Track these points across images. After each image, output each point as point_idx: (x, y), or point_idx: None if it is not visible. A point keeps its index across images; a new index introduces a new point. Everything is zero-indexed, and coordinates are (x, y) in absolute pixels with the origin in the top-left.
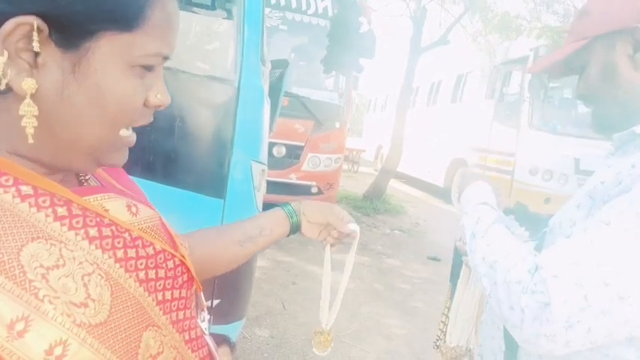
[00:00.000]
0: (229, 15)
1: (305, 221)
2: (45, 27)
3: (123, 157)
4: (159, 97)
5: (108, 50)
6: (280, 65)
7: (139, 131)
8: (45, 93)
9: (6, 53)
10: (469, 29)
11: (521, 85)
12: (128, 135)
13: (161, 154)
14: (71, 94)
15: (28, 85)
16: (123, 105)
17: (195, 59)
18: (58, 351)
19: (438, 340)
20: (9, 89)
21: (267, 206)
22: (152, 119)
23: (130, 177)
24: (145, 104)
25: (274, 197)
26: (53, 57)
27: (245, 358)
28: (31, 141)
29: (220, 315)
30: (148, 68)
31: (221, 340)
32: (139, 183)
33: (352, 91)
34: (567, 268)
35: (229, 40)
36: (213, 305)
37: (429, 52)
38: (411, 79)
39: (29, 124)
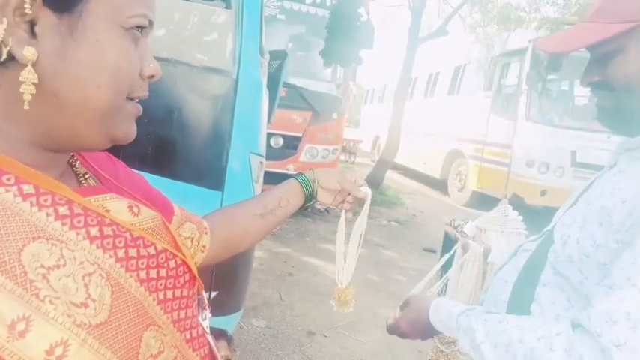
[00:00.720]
0: (228, 5)
1: (320, 189)
2: None
3: (133, 127)
4: (151, 66)
5: (99, 11)
6: (279, 56)
7: (137, 123)
8: (46, 61)
9: (5, 20)
10: (468, 20)
11: (519, 77)
12: (133, 103)
13: (159, 146)
14: (73, 57)
15: (29, 52)
16: (122, 63)
17: (193, 50)
18: (58, 351)
19: None
20: (10, 60)
21: None
22: (147, 93)
23: (132, 170)
24: (140, 74)
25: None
26: (50, 24)
27: (242, 348)
28: (26, 107)
29: (218, 307)
30: (138, 31)
31: (217, 333)
32: None
33: (350, 81)
34: (628, 334)
35: (228, 30)
36: (211, 297)
37: (427, 43)
38: (409, 70)
39: (27, 90)
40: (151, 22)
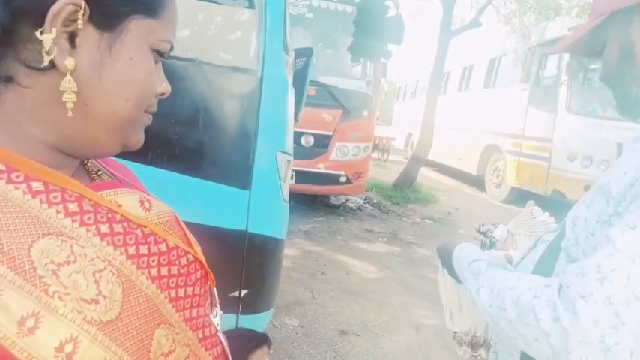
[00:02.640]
0: (251, 4)
1: None
2: (87, 9)
3: (142, 135)
4: (164, 85)
5: (136, 32)
6: (304, 54)
7: (164, 124)
8: (83, 71)
9: (54, 30)
10: (502, 10)
11: (559, 68)
12: (147, 115)
13: (186, 146)
14: (108, 72)
15: (70, 62)
16: (148, 80)
17: (218, 50)
18: (68, 348)
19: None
20: (50, 67)
21: (294, 196)
22: (156, 108)
23: (135, 173)
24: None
25: (303, 187)
26: (91, 39)
27: (275, 347)
28: (70, 114)
29: (248, 305)
30: (160, 54)
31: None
32: (164, 175)
33: (381, 78)
34: (595, 285)
35: (251, 29)
36: (242, 295)
37: (460, 36)
38: (442, 65)
39: (69, 98)
40: (172, 48)
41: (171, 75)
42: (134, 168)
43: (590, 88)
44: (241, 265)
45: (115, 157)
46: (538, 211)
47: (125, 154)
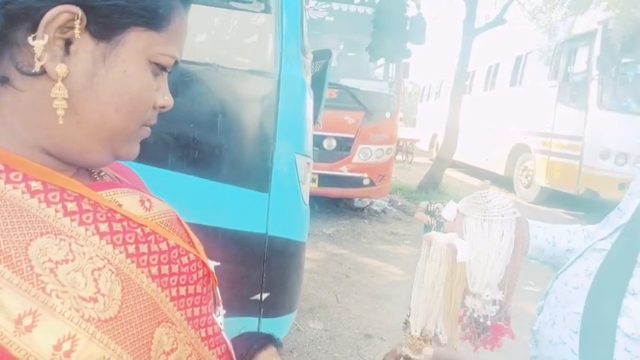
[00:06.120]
0: (267, 8)
1: None
2: (84, 18)
3: (136, 148)
4: (165, 98)
5: (134, 44)
6: (323, 56)
7: (183, 128)
8: (75, 79)
9: (46, 37)
10: (527, 6)
11: (589, 63)
12: (144, 128)
13: (205, 149)
14: (100, 81)
15: (61, 69)
16: (142, 95)
17: (235, 54)
18: (66, 346)
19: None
20: (42, 72)
21: (318, 200)
22: (156, 121)
23: (141, 176)
24: (153, 105)
25: (326, 190)
26: (85, 46)
27: (299, 350)
28: (61, 122)
29: (271, 308)
30: (162, 68)
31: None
32: (184, 179)
33: (403, 79)
34: None
35: (268, 32)
36: (263, 299)
37: (484, 34)
38: (466, 64)
39: (60, 105)
40: (176, 62)
41: (189, 79)
42: (154, 172)
43: (623, 82)
44: (262, 269)
45: (134, 160)
46: (493, 194)
47: (145, 159)
